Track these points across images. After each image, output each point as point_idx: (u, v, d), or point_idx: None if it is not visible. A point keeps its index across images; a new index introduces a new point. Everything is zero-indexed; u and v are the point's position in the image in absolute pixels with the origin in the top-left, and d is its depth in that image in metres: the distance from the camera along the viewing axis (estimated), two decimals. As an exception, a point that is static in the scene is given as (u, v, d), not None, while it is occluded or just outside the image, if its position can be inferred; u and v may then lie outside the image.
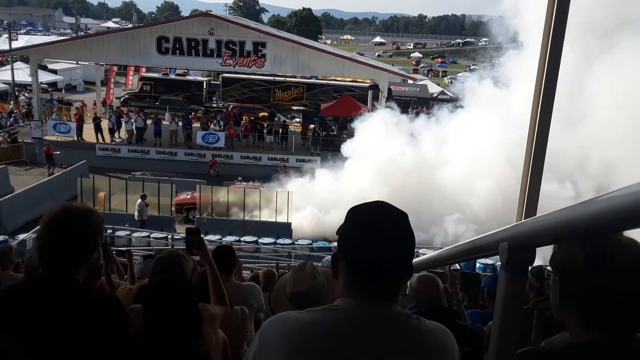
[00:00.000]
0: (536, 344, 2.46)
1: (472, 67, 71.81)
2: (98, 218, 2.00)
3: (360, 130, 22.00)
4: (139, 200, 17.94)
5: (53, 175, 22.20)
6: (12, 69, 34.65)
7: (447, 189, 18.95)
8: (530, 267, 1.52)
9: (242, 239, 16.88)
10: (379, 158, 19.79)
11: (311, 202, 19.36)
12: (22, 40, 43.82)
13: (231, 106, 34.33)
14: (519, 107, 15.76)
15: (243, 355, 1.51)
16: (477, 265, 14.40)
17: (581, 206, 1.09)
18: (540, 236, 1.26)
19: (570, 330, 1.39)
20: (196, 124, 29.53)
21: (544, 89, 3.72)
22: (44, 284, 1.91)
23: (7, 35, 41.06)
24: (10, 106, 34.36)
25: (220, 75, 37.28)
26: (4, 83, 36.93)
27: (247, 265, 12.99)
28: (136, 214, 17.94)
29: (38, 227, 1.98)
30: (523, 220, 1.40)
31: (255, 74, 32.74)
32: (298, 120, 33.23)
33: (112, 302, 1.99)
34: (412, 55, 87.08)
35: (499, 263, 1.43)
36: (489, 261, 14.34)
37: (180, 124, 28.01)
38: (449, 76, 60.34)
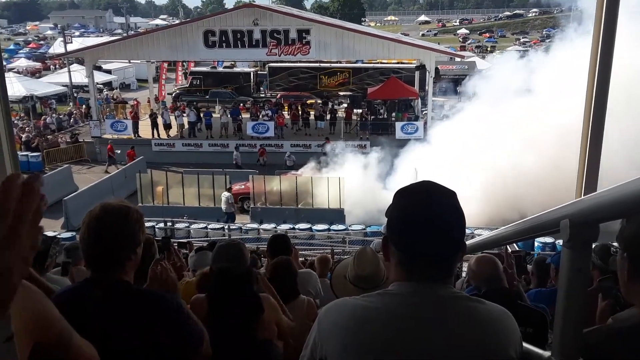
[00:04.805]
0: (601, 323, 2.39)
1: (522, 40, 69.29)
2: (136, 214, 1.95)
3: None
4: (227, 193, 18.32)
5: (110, 173, 23.08)
6: (69, 71, 35.97)
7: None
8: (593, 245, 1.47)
9: (296, 226, 17.06)
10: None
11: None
12: (77, 43, 45.35)
13: (279, 95, 34.57)
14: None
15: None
16: (535, 244, 14.02)
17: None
18: (604, 211, 1.21)
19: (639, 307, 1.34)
20: (245, 115, 29.87)
21: (600, 54, 3.52)
22: (92, 287, 1.89)
23: (62, 39, 42.61)
24: (69, 107, 35.83)
25: (266, 65, 37.56)
26: (63, 85, 38.42)
27: (303, 252, 13.13)
28: (224, 206, 18.22)
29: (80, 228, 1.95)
30: (585, 196, 1.35)
31: (300, 62, 32.80)
32: (346, 105, 33.15)
33: (162, 301, 1.93)
34: (458, 32, 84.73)
35: (559, 241, 1.39)
36: (548, 239, 13.94)
37: (229, 116, 28.43)
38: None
